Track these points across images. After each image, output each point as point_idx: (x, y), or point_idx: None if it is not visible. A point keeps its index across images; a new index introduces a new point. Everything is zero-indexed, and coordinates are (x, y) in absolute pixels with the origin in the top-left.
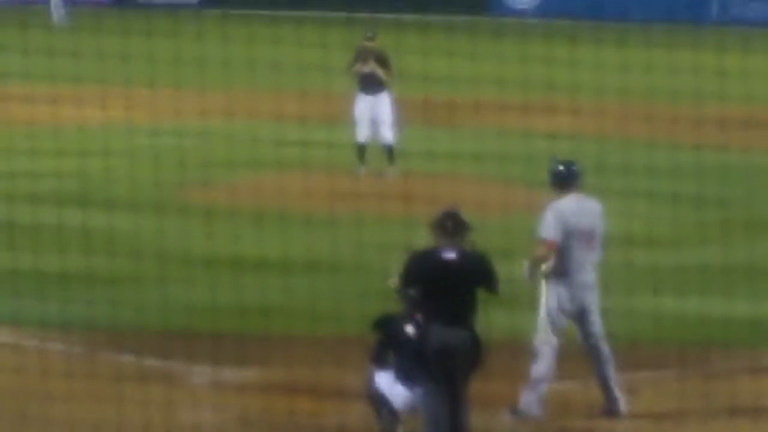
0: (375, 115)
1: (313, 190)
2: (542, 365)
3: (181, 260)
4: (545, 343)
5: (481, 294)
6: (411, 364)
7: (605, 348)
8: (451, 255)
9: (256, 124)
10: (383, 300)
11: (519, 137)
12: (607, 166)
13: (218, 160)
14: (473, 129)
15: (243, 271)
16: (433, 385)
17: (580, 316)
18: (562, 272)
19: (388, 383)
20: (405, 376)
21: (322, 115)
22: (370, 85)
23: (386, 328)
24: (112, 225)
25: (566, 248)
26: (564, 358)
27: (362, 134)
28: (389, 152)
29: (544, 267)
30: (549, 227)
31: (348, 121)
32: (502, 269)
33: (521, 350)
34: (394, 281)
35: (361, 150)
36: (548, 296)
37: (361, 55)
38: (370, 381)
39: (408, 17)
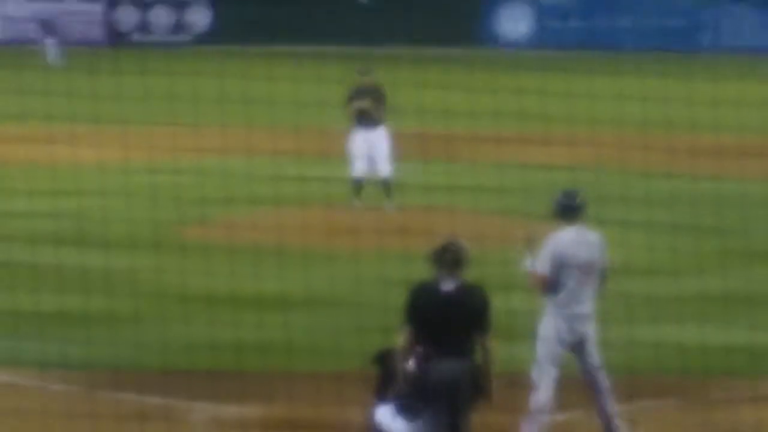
0: (371, 150)
1: (311, 226)
2: (542, 396)
3: (180, 298)
4: (544, 373)
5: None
6: (411, 398)
7: (604, 378)
8: (449, 287)
9: (252, 161)
10: (382, 334)
11: (516, 169)
12: (604, 197)
13: (215, 197)
14: (470, 162)
15: (242, 308)
16: (433, 418)
17: (579, 347)
18: (559, 303)
19: (388, 417)
20: (405, 409)
21: (318, 150)
22: (366, 119)
23: (386, 362)
24: (109, 264)
25: (563, 279)
26: (564, 388)
27: (358, 169)
28: (387, 186)
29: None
30: (542, 260)
31: (344, 156)
32: (499, 302)
33: (521, 381)
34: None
35: (358, 185)
36: (546, 327)
37: (358, 93)
38: (371, 414)
39: (402, 50)
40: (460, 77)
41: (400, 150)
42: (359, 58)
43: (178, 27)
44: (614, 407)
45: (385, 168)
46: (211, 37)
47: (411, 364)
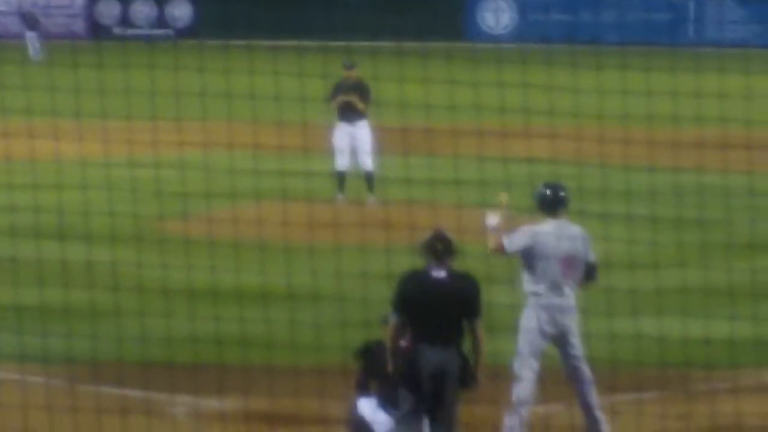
0: (354, 144)
1: (292, 220)
2: (523, 388)
3: (161, 292)
4: (526, 366)
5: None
6: (398, 386)
7: (587, 371)
8: (440, 274)
9: (233, 155)
10: (364, 329)
11: (497, 163)
12: (585, 190)
13: (196, 191)
14: (451, 155)
15: (222, 302)
16: (417, 409)
17: (561, 339)
18: (541, 296)
19: (370, 410)
20: (387, 402)
21: (300, 144)
22: (350, 113)
23: (368, 356)
24: (90, 258)
25: (544, 271)
26: (546, 380)
27: (342, 163)
28: (369, 180)
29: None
30: (515, 238)
31: (326, 150)
32: (482, 295)
33: (503, 374)
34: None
35: (341, 178)
36: (528, 319)
37: (341, 87)
38: (353, 408)
39: (384, 45)
40: (441, 71)
41: (382, 144)
42: (341, 52)
43: (160, 21)
44: (596, 399)
45: (367, 162)
46: (193, 31)
47: (402, 345)
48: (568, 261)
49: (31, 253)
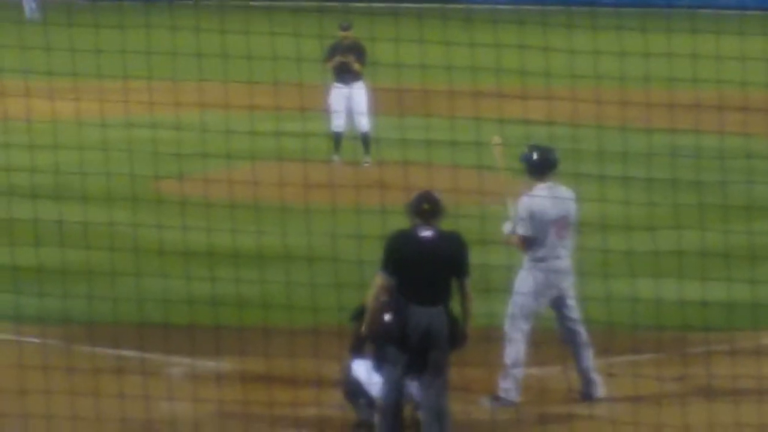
0: (351, 105)
1: (288, 181)
2: (514, 350)
3: (156, 253)
4: (517, 328)
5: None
6: (385, 347)
7: (583, 333)
8: (428, 233)
9: (229, 116)
10: (359, 290)
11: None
12: (581, 152)
13: (192, 152)
14: (447, 117)
15: (218, 263)
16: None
17: (558, 302)
18: (538, 259)
19: (365, 372)
20: (380, 361)
21: (296, 105)
22: (346, 74)
23: (363, 318)
24: (86, 218)
25: (540, 236)
26: (541, 343)
27: (338, 124)
28: (365, 141)
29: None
30: (520, 222)
31: (322, 111)
32: (477, 257)
33: (495, 336)
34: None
35: (338, 139)
36: (523, 281)
37: (338, 49)
38: (348, 370)
39: (379, 5)
40: (437, 32)
41: (378, 105)
42: (338, 13)
43: None
44: (592, 361)
45: (363, 123)
46: None
47: (388, 317)
48: (562, 223)
49: (27, 214)
